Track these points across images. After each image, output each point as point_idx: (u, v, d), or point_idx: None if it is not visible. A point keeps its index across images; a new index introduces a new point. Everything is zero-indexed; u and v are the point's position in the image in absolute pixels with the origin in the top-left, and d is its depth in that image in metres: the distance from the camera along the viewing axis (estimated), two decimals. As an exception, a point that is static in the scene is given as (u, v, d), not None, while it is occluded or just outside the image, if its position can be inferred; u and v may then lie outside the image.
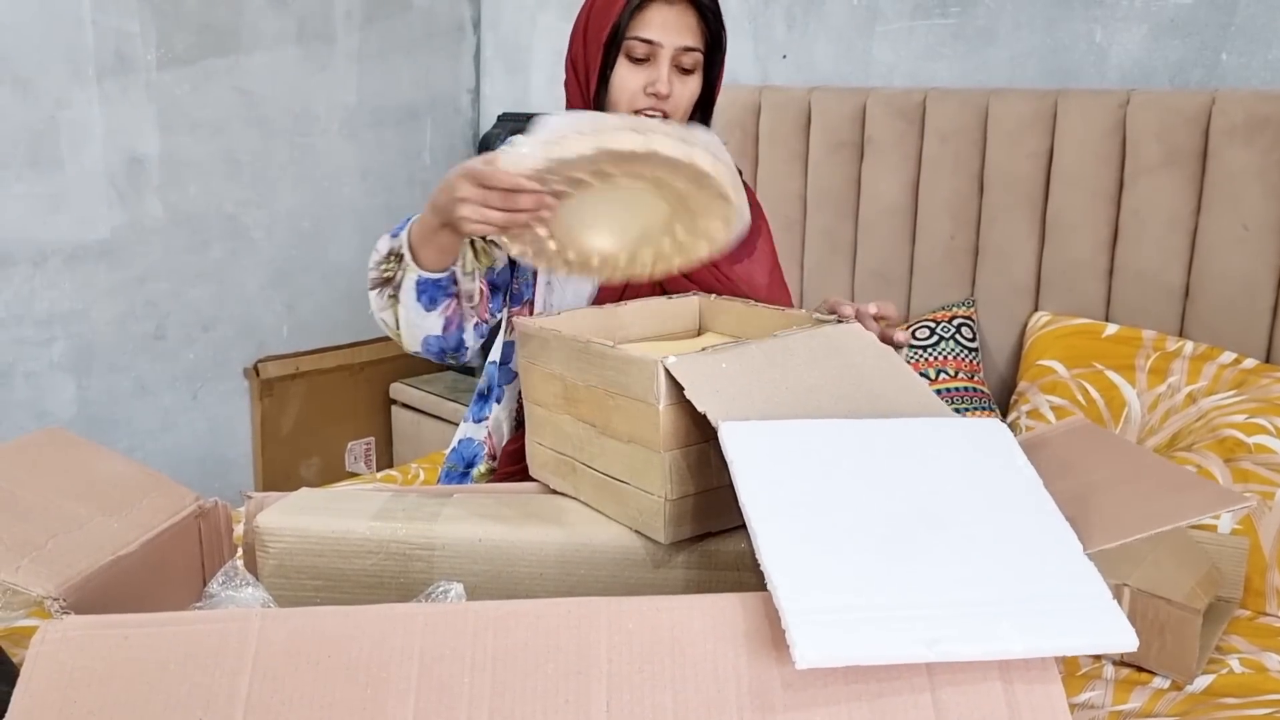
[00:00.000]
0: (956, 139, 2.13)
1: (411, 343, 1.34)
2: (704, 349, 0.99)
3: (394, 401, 3.16)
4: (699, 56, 1.38)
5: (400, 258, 1.27)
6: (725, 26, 1.41)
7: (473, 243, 1.37)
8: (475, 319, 1.36)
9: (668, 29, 1.35)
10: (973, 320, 2.12)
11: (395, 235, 1.29)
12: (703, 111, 1.45)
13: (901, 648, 0.69)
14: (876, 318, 1.22)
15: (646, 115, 1.36)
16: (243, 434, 2.93)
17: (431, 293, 1.28)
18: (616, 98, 1.38)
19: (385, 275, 1.30)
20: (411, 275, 1.26)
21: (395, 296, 1.29)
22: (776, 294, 1.52)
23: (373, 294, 1.32)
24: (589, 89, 1.41)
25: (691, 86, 1.39)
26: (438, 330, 1.32)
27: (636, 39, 1.35)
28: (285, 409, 2.97)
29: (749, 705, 0.70)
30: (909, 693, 0.70)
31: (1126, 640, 0.72)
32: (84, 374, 2.61)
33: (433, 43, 3.14)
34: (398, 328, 1.32)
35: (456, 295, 1.32)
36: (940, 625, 0.70)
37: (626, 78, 1.37)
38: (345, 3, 2.91)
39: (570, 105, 1.45)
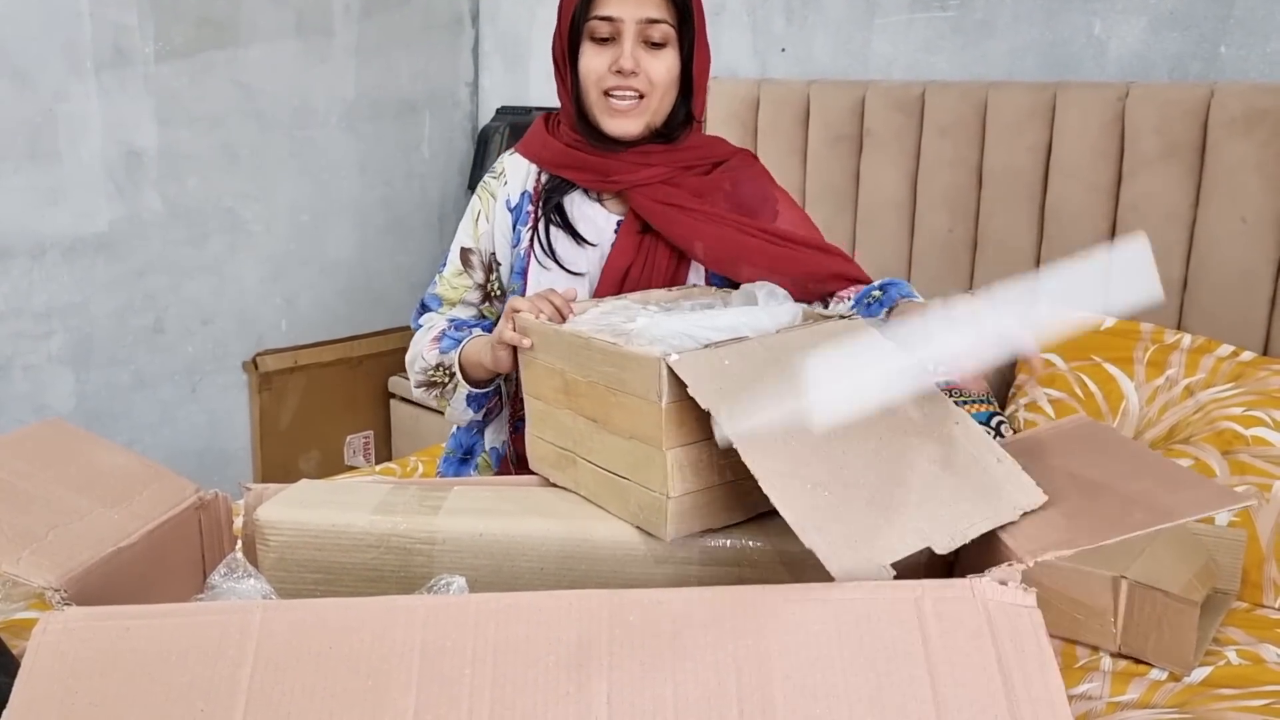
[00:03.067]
0: (955, 132, 2.13)
1: (455, 422, 1.51)
2: (706, 345, 0.99)
3: (393, 395, 3.16)
4: (667, 29, 1.34)
5: (451, 374, 1.39)
6: None
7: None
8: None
9: (626, 3, 1.32)
10: (971, 313, 2.12)
11: (445, 352, 1.39)
12: (685, 95, 1.40)
13: None
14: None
15: (615, 96, 1.35)
16: (241, 427, 2.93)
17: (480, 400, 1.42)
18: (585, 82, 1.36)
19: (433, 380, 1.42)
20: (463, 390, 1.39)
21: (443, 397, 1.43)
22: (821, 247, 1.46)
23: (419, 390, 1.46)
24: (567, 79, 1.40)
25: (666, 62, 1.35)
26: (480, 416, 1.47)
27: (596, 18, 1.33)
28: (284, 402, 2.97)
29: (749, 697, 0.70)
30: (907, 684, 0.70)
31: None
32: (83, 367, 2.61)
33: (431, 36, 3.14)
34: (439, 409, 1.47)
35: (498, 393, 1.45)
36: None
37: (591, 60, 1.35)
38: (343, -5, 2.91)
39: (559, 98, 1.45)
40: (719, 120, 2.49)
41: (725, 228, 1.37)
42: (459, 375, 1.38)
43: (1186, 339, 1.85)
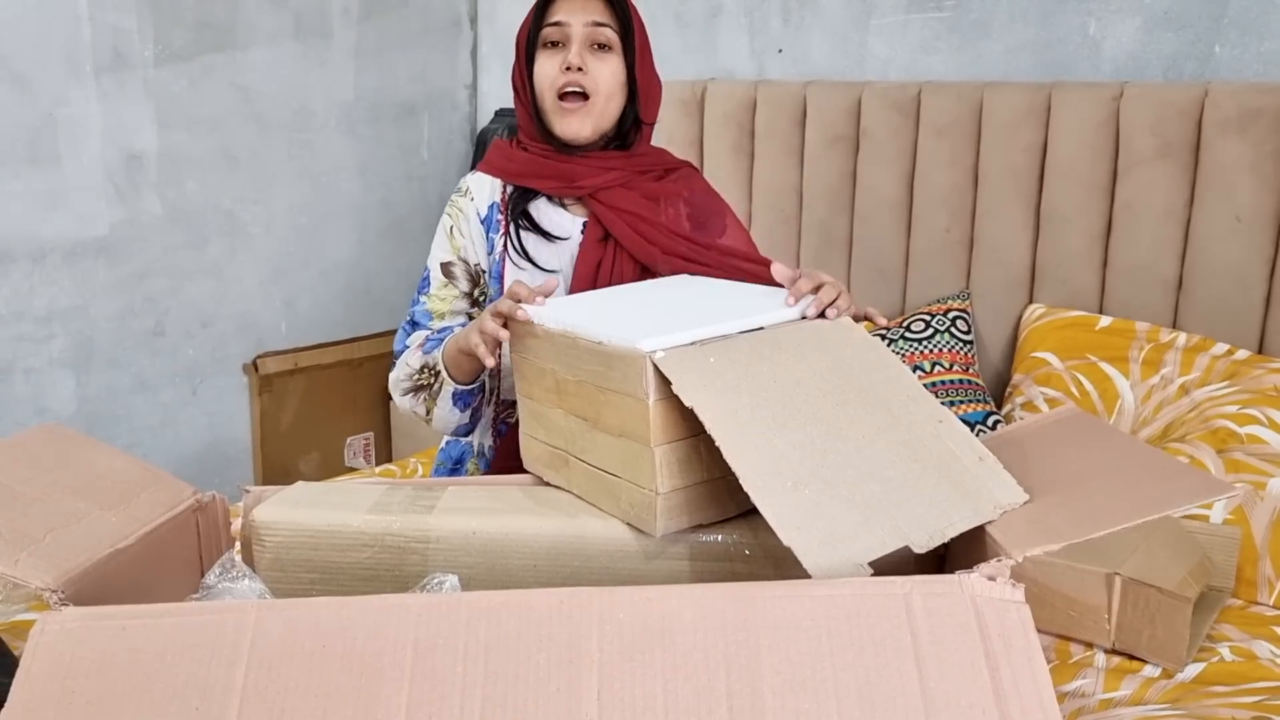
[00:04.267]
0: (951, 132, 2.14)
1: (443, 429, 1.50)
2: (692, 342, 1.00)
3: (392, 396, 3.16)
4: (611, 34, 1.44)
5: (436, 373, 1.41)
6: (633, 10, 1.47)
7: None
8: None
9: (574, 10, 1.44)
10: (967, 313, 2.13)
11: (428, 353, 1.43)
12: (632, 100, 1.48)
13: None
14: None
15: (565, 98, 1.44)
16: (242, 430, 2.94)
17: (465, 399, 1.43)
18: (540, 87, 1.46)
19: (419, 384, 1.44)
20: (448, 388, 1.41)
21: (432, 399, 1.44)
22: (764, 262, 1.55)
23: (405, 398, 1.47)
24: (525, 98, 1.49)
25: (611, 65, 1.45)
26: (467, 420, 1.48)
27: (548, 25, 1.45)
28: (284, 404, 2.98)
29: (739, 692, 0.71)
30: (896, 679, 0.71)
31: None
32: (83, 370, 2.62)
33: (430, 38, 3.15)
34: (427, 416, 1.47)
35: (483, 392, 1.46)
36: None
37: (544, 66, 1.46)
38: (342, -2, 2.92)
39: (518, 117, 1.53)
40: (716, 121, 2.50)
41: (678, 244, 1.46)
42: (444, 373, 1.40)
43: (1182, 338, 1.85)
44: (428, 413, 1.46)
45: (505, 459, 1.50)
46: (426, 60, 3.15)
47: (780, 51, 2.52)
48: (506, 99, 3.19)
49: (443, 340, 1.43)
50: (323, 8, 2.88)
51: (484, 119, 3.26)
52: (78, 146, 2.51)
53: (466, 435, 1.53)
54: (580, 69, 1.42)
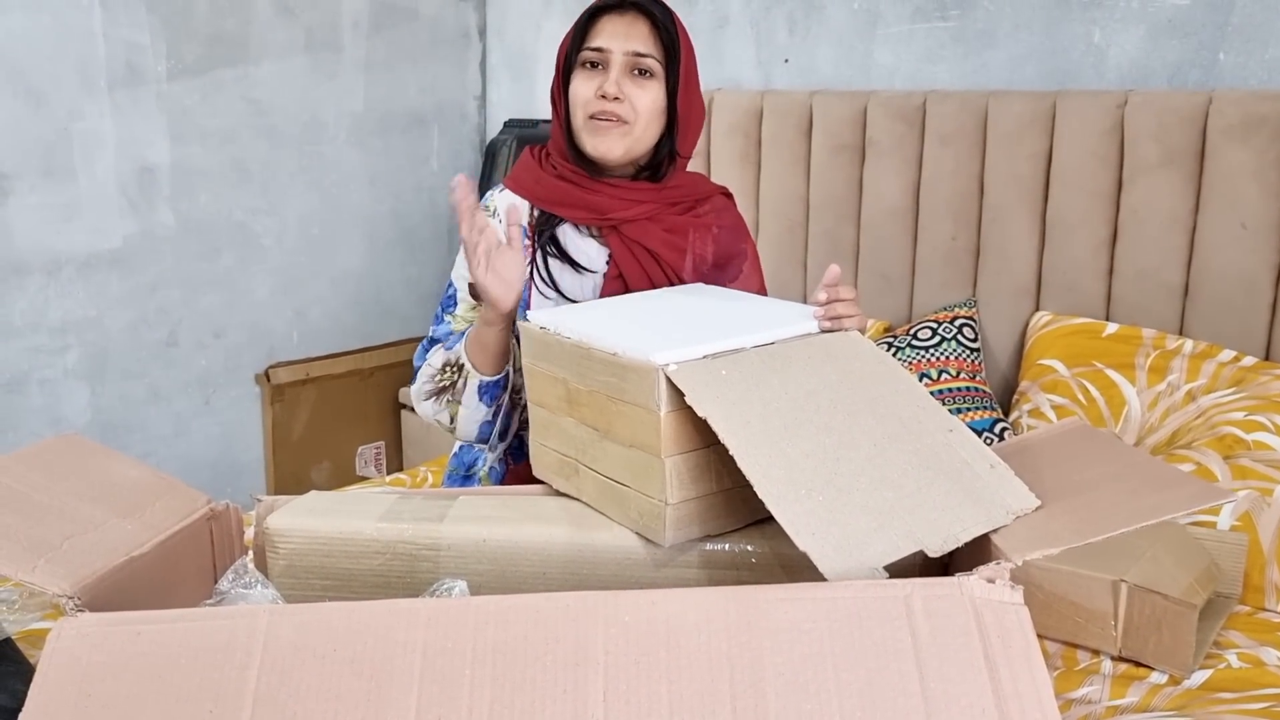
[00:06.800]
0: (957, 141, 2.15)
1: (467, 434, 1.44)
2: (704, 356, 1.01)
3: (403, 406, 3.18)
4: (654, 63, 1.40)
5: (460, 367, 1.39)
6: (681, 37, 1.42)
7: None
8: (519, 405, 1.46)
9: (616, 36, 1.40)
10: (974, 320, 2.14)
11: (450, 349, 1.41)
12: (671, 130, 1.44)
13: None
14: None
15: (600, 121, 1.40)
16: (254, 439, 2.96)
17: (492, 392, 1.40)
18: (574, 104, 1.42)
19: (441, 385, 1.41)
20: (474, 380, 1.38)
21: (455, 400, 1.40)
22: None
23: (427, 404, 1.43)
24: (560, 111, 1.45)
25: (651, 93, 1.41)
26: (490, 417, 1.42)
27: (588, 48, 1.41)
28: (296, 414, 3.00)
29: (742, 694, 0.72)
30: (897, 680, 0.72)
31: None
32: (98, 381, 2.65)
33: (439, 50, 3.17)
34: (452, 423, 1.43)
35: (506, 388, 1.42)
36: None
37: (580, 87, 1.42)
38: (353, 12, 2.95)
39: (552, 131, 1.50)
40: (722, 131, 2.51)
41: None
42: (468, 365, 1.37)
43: (1188, 344, 1.86)
44: (451, 419, 1.42)
45: (520, 480, 1.49)
46: (436, 72, 3.18)
47: (786, 61, 2.54)
48: (515, 110, 3.22)
49: (464, 336, 1.40)
50: (333, 21, 2.91)
51: (493, 130, 3.28)
52: (92, 160, 2.54)
53: (487, 438, 1.47)
54: (617, 98, 1.38)
